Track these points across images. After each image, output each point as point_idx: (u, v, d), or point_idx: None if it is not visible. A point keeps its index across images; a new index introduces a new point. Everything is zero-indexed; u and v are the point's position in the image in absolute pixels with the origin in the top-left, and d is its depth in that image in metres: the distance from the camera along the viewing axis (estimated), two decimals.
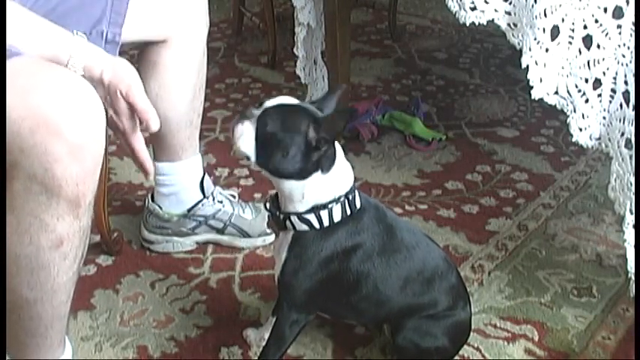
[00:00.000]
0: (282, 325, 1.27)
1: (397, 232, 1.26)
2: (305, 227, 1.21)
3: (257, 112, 1.17)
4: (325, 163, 1.18)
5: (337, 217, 1.20)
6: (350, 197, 1.21)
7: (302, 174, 1.17)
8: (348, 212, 1.21)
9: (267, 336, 1.41)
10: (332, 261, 1.22)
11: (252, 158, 1.18)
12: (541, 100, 1.36)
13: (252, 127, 1.16)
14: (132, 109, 1.09)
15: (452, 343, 1.31)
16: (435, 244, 1.34)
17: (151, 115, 1.09)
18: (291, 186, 1.19)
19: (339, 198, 1.20)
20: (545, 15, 1.30)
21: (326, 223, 1.20)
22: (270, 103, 1.18)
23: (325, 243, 1.21)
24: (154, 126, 1.09)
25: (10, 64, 0.99)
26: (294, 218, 1.21)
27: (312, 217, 1.20)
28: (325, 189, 1.19)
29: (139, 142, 1.12)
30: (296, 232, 1.22)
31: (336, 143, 1.20)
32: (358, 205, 1.23)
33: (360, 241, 1.22)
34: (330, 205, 1.19)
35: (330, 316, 1.36)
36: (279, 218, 1.23)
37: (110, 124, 1.11)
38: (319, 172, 1.17)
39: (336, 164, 1.20)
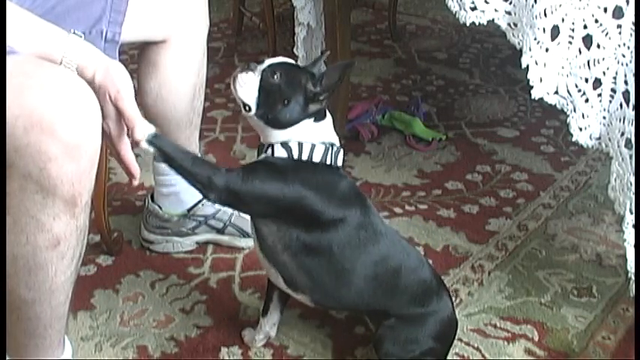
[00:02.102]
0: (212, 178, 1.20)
1: (371, 215, 1.27)
2: (284, 153, 1.22)
3: (260, 66, 1.23)
4: (318, 114, 1.24)
5: (317, 156, 1.22)
6: (334, 148, 1.24)
7: (297, 122, 1.22)
8: (329, 160, 1.23)
9: (259, 336, 1.42)
10: (296, 194, 1.20)
11: (253, 108, 1.22)
12: (541, 100, 1.36)
13: (256, 79, 1.22)
14: (119, 114, 1.08)
15: (439, 343, 1.30)
16: (407, 243, 1.34)
17: (137, 123, 1.08)
18: (282, 132, 1.23)
19: (325, 142, 1.23)
20: (545, 15, 1.30)
21: (305, 157, 1.21)
22: (272, 60, 1.25)
23: (298, 173, 1.21)
24: (139, 135, 1.09)
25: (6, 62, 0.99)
26: (276, 145, 1.22)
27: (294, 146, 1.22)
28: (312, 133, 1.23)
29: (125, 146, 1.11)
30: (273, 157, 1.23)
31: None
32: (340, 163, 1.25)
33: (329, 195, 1.22)
34: (314, 142, 1.22)
35: (279, 273, 1.28)
36: (261, 148, 1.25)
37: None
38: (312, 119, 1.23)
39: (326, 119, 1.25)
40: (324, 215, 1.22)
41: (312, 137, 1.23)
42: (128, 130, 1.09)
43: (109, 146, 1.13)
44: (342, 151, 1.26)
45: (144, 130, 1.12)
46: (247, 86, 1.22)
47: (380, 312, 1.30)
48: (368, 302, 1.29)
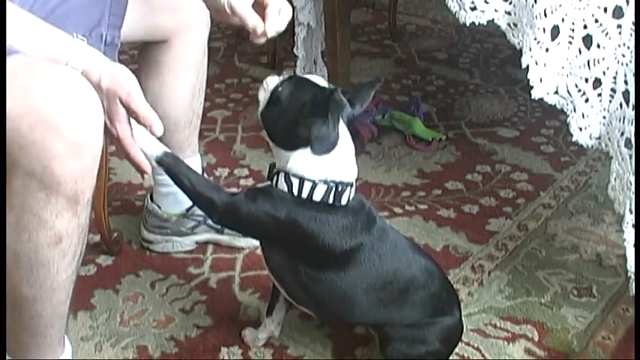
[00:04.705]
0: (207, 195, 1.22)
1: (376, 243, 1.24)
2: (284, 187, 1.20)
3: (293, 77, 1.25)
4: (318, 145, 1.19)
5: (318, 196, 1.20)
6: (340, 188, 1.20)
7: (289, 145, 1.20)
8: (330, 200, 1.20)
9: (262, 335, 1.42)
10: (292, 227, 1.19)
11: (260, 107, 1.24)
12: (541, 100, 1.36)
13: (277, 80, 1.22)
14: (131, 115, 1.09)
15: (444, 346, 1.30)
16: (418, 256, 1.31)
17: (154, 121, 1.08)
18: (281, 152, 1.22)
19: (328, 181, 1.20)
20: (545, 15, 1.30)
21: (304, 194, 1.19)
22: (310, 75, 1.26)
23: (296, 208, 1.19)
24: (158, 131, 1.09)
25: (9, 62, 0.99)
26: (281, 175, 1.21)
27: (295, 181, 1.20)
28: (312, 168, 1.19)
29: (134, 147, 1.12)
30: (276, 188, 1.22)
31: (348, 137, 1.22)
32: (344, 203, 1.21)
33: (326, 235, 1.20)
34: (316, 181, 1.19)
35: (282, 287, 1.30)
36: (271, 170, 1.25)
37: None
38: (308, 149, 1.19)
39: (336, 152, 1.20)
40: (322, 252, 1.21)
41: (315, 172, 1.19)
42: (146, 128, 1.10)
43: (117, 148, 1.14)
44: (349, 188, 1.22)
45: (155, 148, 1.17)
46: (268, 85, 1.23)
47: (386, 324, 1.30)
48: (373, 319, 1.29)
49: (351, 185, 1.23)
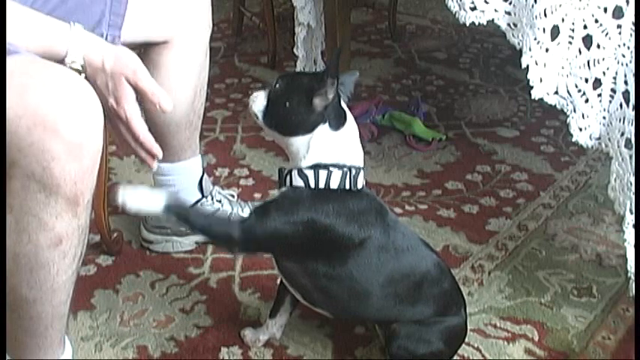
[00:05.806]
0: (225, 228, 1.23)
1: (391, 233, 1.25)
2: (301, 183, 1.21)
3: (283, 75, 1.27)
4: (332, 118, 1.21)
5: (335, 183, 1.21)
6: (353, 172, 1.22)
7: (307, 126, 1.21)
8: (347, 185, 1.21)
9: (263, 337, 1.42)
10: (311, 226, 1.19)
11: (260, 116, 1.25)
12: (541, 100, 1.36)
13: (265, 92, 1.26)
14: (138, 93, 1.09)
15: (448, 346, 1.30)
16: (429, 251, 1.32)
17: (162, 95, 1.09)
18: (298, 143, 1.22)
19: (342, 165, 1.21)
20: (545, 15, 1.30)
21: (322, 184, 1.20)
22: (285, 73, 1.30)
23: (312, 204, 1.20)
24: (167, 106, 1.09)
25: (8, 62, 0.99)
26: (294, 172, 1.22)
27: (310, 174, 1.21)
28: (331, 146, 1.21)
29: (142, 127, 1.12)
30: (291, 188, 1.23)
31: (352, 119, 1.24)
32: (360, 186, 1.23)
33: (346, 222, 1.20)
34: (331, 168, 1.20)
35: (297, 291, 1.30)
36: (281, 174, 1.26)
37: (111, 116, 1.11)
38: (326, 124, 1.21)
39: (346, 129, 1.23)
40: (342, 244, 1.21)
41: (330, 153, 1.21)
42: (153, 105, 1.10)
43: (124, 133, 1.13)
44: (362, 172, 1.24)
45: (157, 202, 1.18)
46: (257, 99, 1.25)
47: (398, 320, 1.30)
48: (389, 315, 1.29)
49: (362, 169, 1.24)
